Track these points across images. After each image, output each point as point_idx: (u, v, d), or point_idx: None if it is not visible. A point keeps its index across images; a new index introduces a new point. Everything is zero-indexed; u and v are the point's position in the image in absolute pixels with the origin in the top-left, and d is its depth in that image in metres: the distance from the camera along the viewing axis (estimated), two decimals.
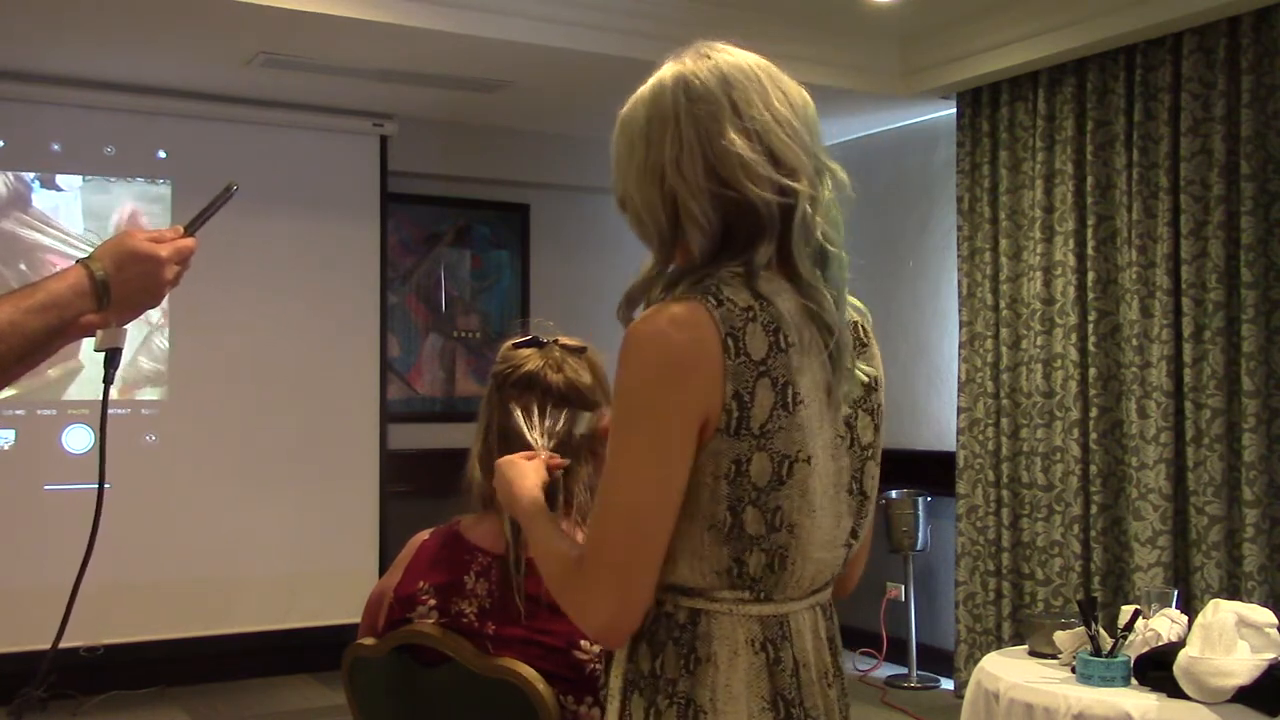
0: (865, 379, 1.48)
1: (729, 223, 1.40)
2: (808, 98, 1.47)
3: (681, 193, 1.42)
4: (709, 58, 1.49)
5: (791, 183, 1.39)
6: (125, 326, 1.55)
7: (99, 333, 1.53)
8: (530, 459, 1.65)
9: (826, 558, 1.44)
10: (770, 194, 1.38)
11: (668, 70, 1.48)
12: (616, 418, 1.37)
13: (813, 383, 1.39)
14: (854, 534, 1.47)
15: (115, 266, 1.51)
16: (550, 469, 1.65)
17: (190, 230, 1.60)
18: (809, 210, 1.41)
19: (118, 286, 1.50)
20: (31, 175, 5.28)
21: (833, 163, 1.45)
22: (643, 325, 1.37)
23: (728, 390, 1.33)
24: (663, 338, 1.34)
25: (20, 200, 5.25)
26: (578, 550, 1.40)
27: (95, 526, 1.52)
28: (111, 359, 1.55)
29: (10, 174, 5.24)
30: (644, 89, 1.51)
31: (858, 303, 1.55)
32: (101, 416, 1.56)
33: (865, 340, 1.53)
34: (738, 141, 1.39)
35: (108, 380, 1.56)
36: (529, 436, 1.74)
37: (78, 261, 1.52)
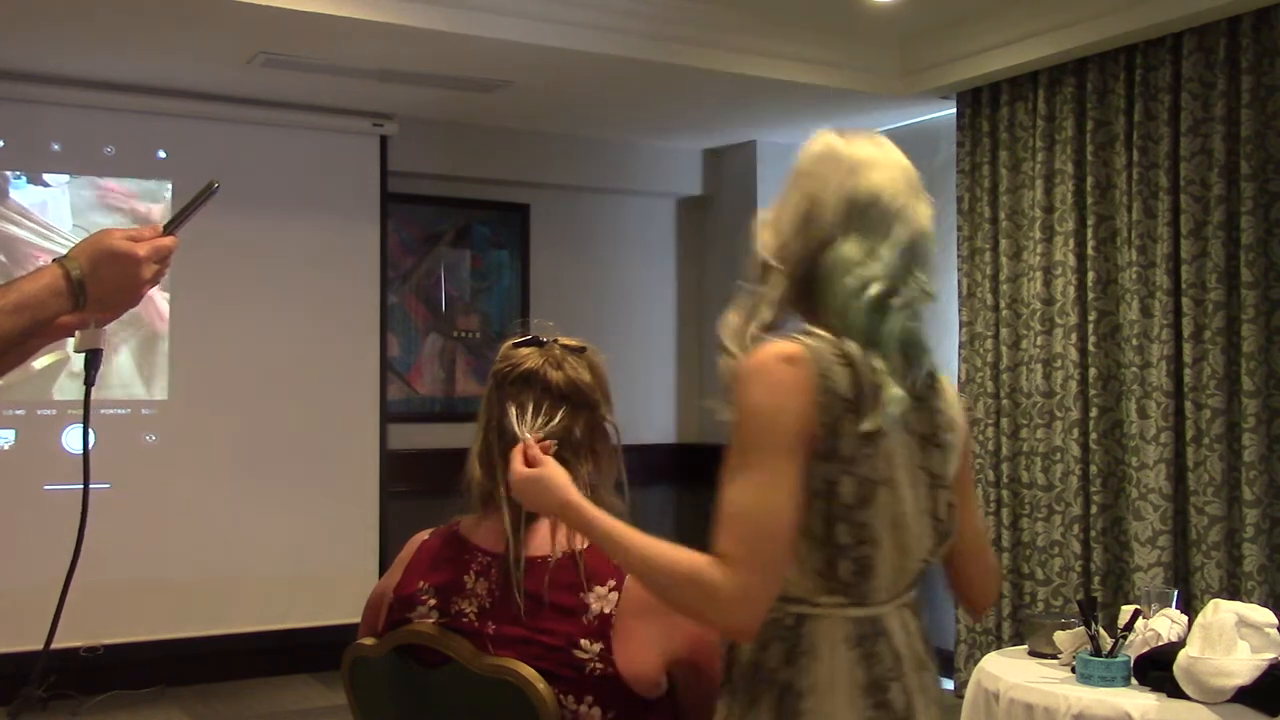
0: (938, 417, 1.66)
1: (806, 287, 1.64)
2: (925, 221, 1.65)
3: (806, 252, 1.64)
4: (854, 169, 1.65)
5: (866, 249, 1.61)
6: (105, 328, 1.52)
7: (78, 333, 1.50)
8: (527, 453, 1.69)
9: (908, 568, 1.63)
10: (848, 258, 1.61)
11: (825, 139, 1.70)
12: (741, 436, 1.54)
13: (892, 420, 1.58)
14: (932, 552, 1.66)
15: (91, 266, 1.47)
16: (542, 451, 1.70)
17: (170, 229, 1.55)
18: (888, 291, 1.60)
19: (94, 286, 1.47)
20: (17, 172, 5.27)
21: (922, 273, 1.64)
22: (760, 358, 1.56)
23: (820, 420, 1.53)
24: (777, 370, 1.54)
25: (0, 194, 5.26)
26: (696, 555, 1.52)
27: (82, 527, 1.51)
28: (92, 360, 1.52)
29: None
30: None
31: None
32: (84, 418, 1.55)
33: (933, 384, 1.68)
34: (828, 208, 1.62)
35: (89, 381, 1.53)
36: (516, 429, 1.75)
37: (54, 260, 1.48)
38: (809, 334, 1.58)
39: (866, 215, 1.60)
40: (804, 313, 1.65)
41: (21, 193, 5.28)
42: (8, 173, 5.25)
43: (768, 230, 1.70)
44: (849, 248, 1.59)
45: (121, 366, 5.37)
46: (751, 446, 1.53)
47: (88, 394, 1.54)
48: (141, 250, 1.50)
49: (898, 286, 1.60)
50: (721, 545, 1.50)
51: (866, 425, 1.55)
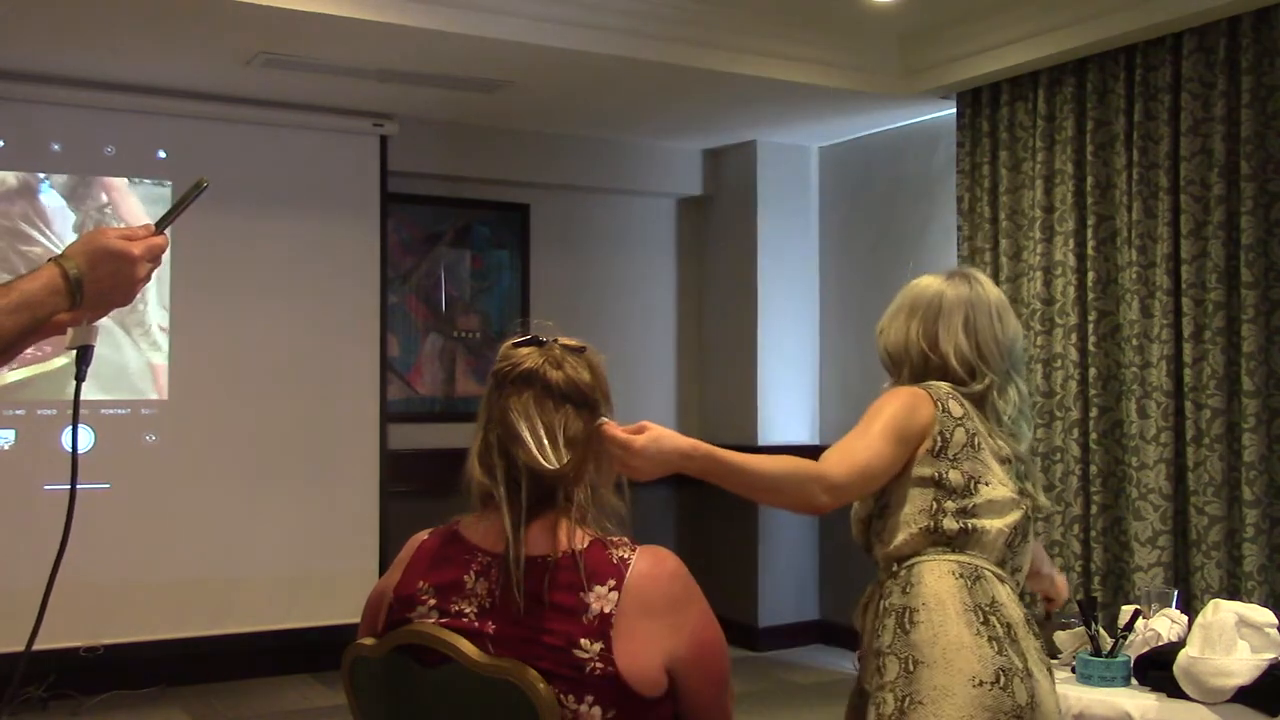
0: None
1: (926, 373, 2.38)
2: (1018, 332, 2.43)
3: (919, 351, 2.40)
4: (971, 285, 2.40)
5: (984, 368, 2.36)
6: (97, 324, 1.55)
7: (70, 330, 1.52)
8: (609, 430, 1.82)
9: (1004, 537, 2.27)
10: (959, 365, 2.36)
11: (944, 281, 2.42)
12: (868, 415, 2.29)
13: (990, 448, 2.31)
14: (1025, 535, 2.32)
15: (89, 265, 1.49)
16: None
17: (161, 227, 1.58)
18: (985, 387, 2.35)
19: (91, 284, 1.49)
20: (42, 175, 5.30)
21: (1019, 377, 2.41)
22: (901, 389, 2.35)
23: (935, 430, 2.27)
24: (910, 396, 2.31)
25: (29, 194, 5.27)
26: (805, 464, 2.16)
27: (68, 524, 1.51)
28: (84, 356, 1.54)
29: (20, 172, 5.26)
30: (934, 282, 2.44)
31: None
32: (74, 413, 1.56)
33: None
34: (957, 328, 2.37)
35: (80, 377, 1.55)
36: (540, 456, 1.75)
37: (50, 260, 1.50)
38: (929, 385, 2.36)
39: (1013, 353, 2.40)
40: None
41: (47, 196, 5.30)
42: (40, 175, 5.28)
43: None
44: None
45: (121, 366, 5.37)
46: (874, 416, 2.26)
47: (78, 389, 1.55)
48: (137, 249, 1.52)
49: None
50: (831, 460, 2.18)
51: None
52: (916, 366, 2.37)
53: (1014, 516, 2.27)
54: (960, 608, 2.15)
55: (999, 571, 2.23)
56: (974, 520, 2.23)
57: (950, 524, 2.22)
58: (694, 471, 2.00)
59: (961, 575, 2.19)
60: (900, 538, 2.27)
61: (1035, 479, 2.37)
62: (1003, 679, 2.10)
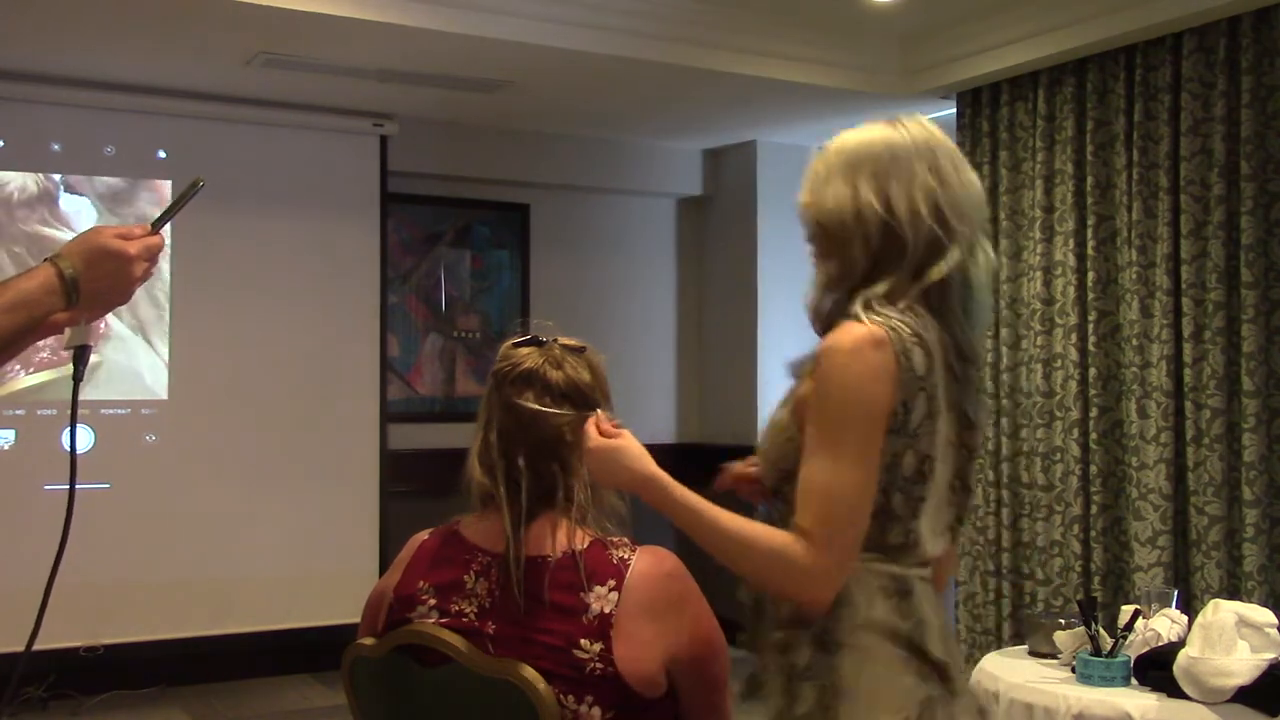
0: (973, 389, 1.78)
1: (883, 250, 1.72)
2: (979, 185, 1.82)
3: (877, 218, 1.72)
4: (924, 127, 1.79)
5: (945, 237, 1.72)
6: (95, 324, 1.55)
7: (67, 330, 1.52)
8: (599, 426, 1.73)
9: (939, 541, 1.74)
10: (922, 238, 1.71)
11: (886, 127, 1.78)
12: (828, 418, 1.64)
13: (947, 399, 1.70)
14: (958, 520, 1.78)
15: (85, 264, 1.49)
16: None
17: (156, 227, 1.57)
18: (959, 260, 1.73)
19: (87, 284, 1.49)
20: (59, 177, 5.30)
21: (986, 241, 1.81)
22: (844, 342, 1.65)
23: (898, 398, 1.64)
24: (862, 356, 1.64)
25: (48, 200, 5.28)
26: (777, 533, 1.65)
27: (67, 524, 1.51)
28: (81, 356, 1.54)
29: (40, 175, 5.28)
30: (873, 131, 1.78)
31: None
32: (72, 412, 1.56)
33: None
34: (917, 183, 1.73)
35: (77, 377, 1.54)
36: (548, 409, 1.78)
37: (46, 259, 1.50)
38: (886, 314, 1.68)
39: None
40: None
41: (66, 200, 5.31)
42: (56, 177, 5.29)
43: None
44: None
45: (121, 366, 5.37)
46: (838, 425, 1.63)
47: (75, 389, 1.55)
48: (133, 249, 1.52)
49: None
50: (805, 522, 1.61)
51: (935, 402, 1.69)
52: (872, 248, 1.73)
53: (948, 507, 1.76)
54: (891, 637, 1.69)
55: (923, 571, 1.75)
56: (918, 525, 1.71)
57: (895, 537, 1.69)
58: (650, 501, 1.71)
59: (895, 593, 1.71)
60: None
61: (980, 405, 1.79)
62: (926, 715, 1.70)
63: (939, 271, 1.71)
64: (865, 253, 1.72)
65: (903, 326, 1.66)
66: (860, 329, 1.65)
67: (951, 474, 1.73)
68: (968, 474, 1.76)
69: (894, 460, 1.65)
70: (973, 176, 1.79)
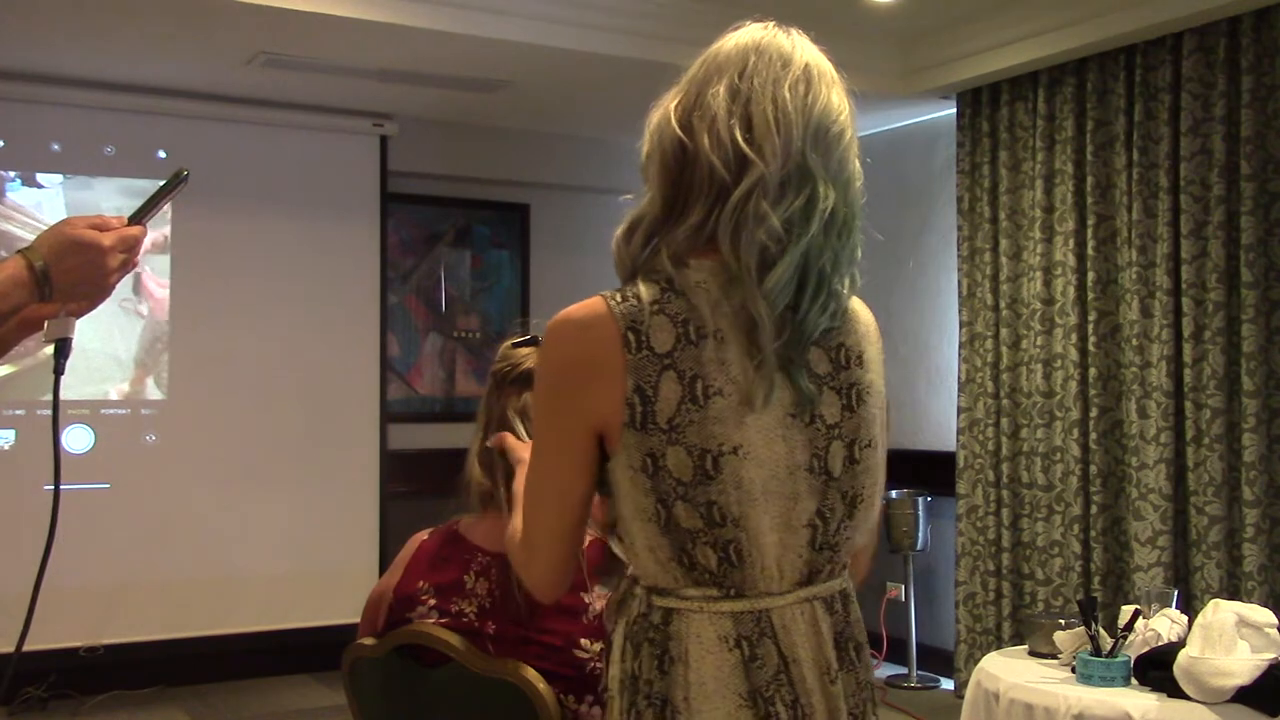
0: (830, 359, 1.43)
1: (681, 178, 1.43)
2: (838, 112, 1.52)
3: (680, 133, 1.43)
4: (776, 34, 1.55)
5: (752, 155, 1.37)
6: (75, 318, 1.51)
7: (47, 323, 1.50)
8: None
9: (790, 543, 1.37)
10: (719, 157, 1.38)
11: (750, 33, 1.56)
12: (535, 410, 1.49)
13: (740, 372, 1.35)
14: (820, 514, 1.38)
15: (55, 255, 1.45)
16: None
17: (136, 219, 1.52)
18: (758, 193, 1.37)
19: (59, 276, 1.45)
20: (12, 173, 5.28)
21: (827, 181, 1.47)
22: (551, 325, 1.43)
23: (629, 385, 1.34)
24: (563, 341, 1.41)
25: None
26: (517, 523, 1.49)
27: (53, 524, 1.50)
28: (61, 349, 1.51)
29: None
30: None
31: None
32: (54, 406, 1.52)
33: (835, 324, 1.48)
34: (720, 95, 1.40)
35: (58, 371, 1.51)
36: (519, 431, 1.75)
37: (17, 251, 1.47)
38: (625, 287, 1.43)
39: None
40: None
41: (17, 194, 5.29)
42: (4, 172, 5.26)
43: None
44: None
45: (121, 365, 5.36)
46: (538, 420, 1.44)
47: (57, 383, 1.52)
48: (106, 240, 1.47)
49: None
50: (522, 519, 1.47)
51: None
52: (674, 182, 1.46)
53: (804, 498, 1.37)
54: (734, 703, 1.35)
55: (787, 598, 1.38)
56: (738, 535, 1.34)
57: (704, 555, 1.34)
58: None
59: (738, 643, 1.35)
60: (646, 560, 1.38)
61: (808, 390, 1.38)
62: None
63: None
64: (651, 209, 1.56)
65: (644, 292, 1.43)
66: (568, 311, 1.47)
67: (803, 454, 1.37)
68: (828, 454, 1.38)
69: (651, 461, 1.34)
70: (832, 100, 1.55)
